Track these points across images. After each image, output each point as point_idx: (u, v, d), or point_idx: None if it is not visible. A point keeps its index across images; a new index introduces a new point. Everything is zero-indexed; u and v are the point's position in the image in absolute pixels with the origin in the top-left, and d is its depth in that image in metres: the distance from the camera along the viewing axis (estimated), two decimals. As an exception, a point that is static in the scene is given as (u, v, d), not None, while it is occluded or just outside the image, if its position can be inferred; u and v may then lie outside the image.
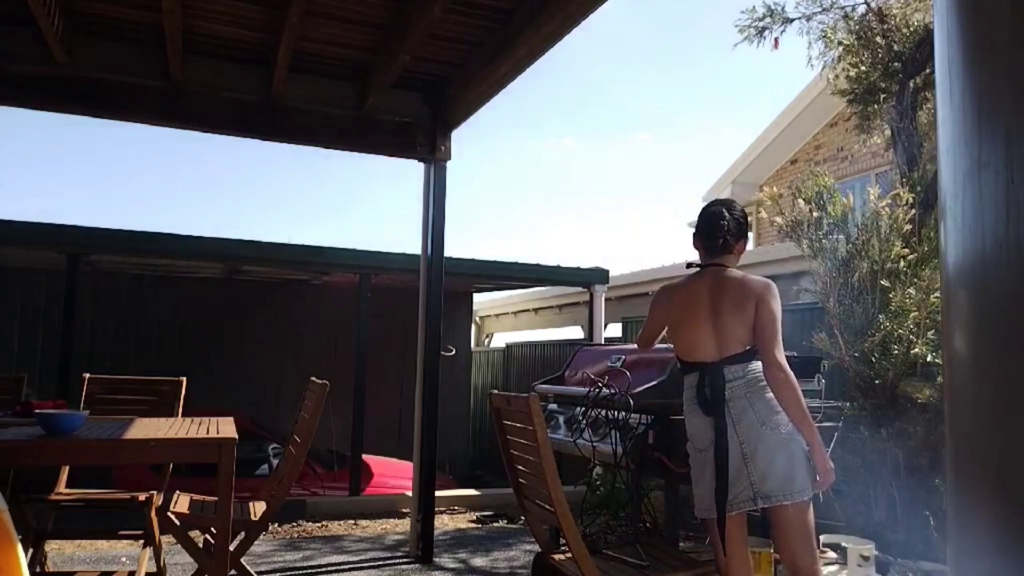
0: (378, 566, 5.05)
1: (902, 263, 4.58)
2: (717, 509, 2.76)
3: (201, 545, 3.44)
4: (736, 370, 2.80)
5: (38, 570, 4.00)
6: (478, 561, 5.27)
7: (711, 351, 2.84)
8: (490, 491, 7.98)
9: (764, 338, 2.77)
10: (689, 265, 3.03)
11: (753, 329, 2.79)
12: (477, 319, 14.35)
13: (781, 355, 2.75)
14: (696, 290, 2.91)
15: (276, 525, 6.21)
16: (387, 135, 5.46)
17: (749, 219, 3.23)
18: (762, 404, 2.75)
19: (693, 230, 3.06)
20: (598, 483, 6.60)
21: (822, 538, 3.39)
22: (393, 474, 7.90)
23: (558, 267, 9.33)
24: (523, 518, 5.01)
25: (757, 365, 2.80)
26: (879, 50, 5.64)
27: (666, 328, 3.09)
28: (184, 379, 4.55)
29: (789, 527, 2.75)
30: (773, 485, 2.70)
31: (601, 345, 7.17)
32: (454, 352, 10.43)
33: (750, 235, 13.31)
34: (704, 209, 3.03)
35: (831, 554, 3.99)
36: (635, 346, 4.35)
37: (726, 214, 2.96)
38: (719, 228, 2.94)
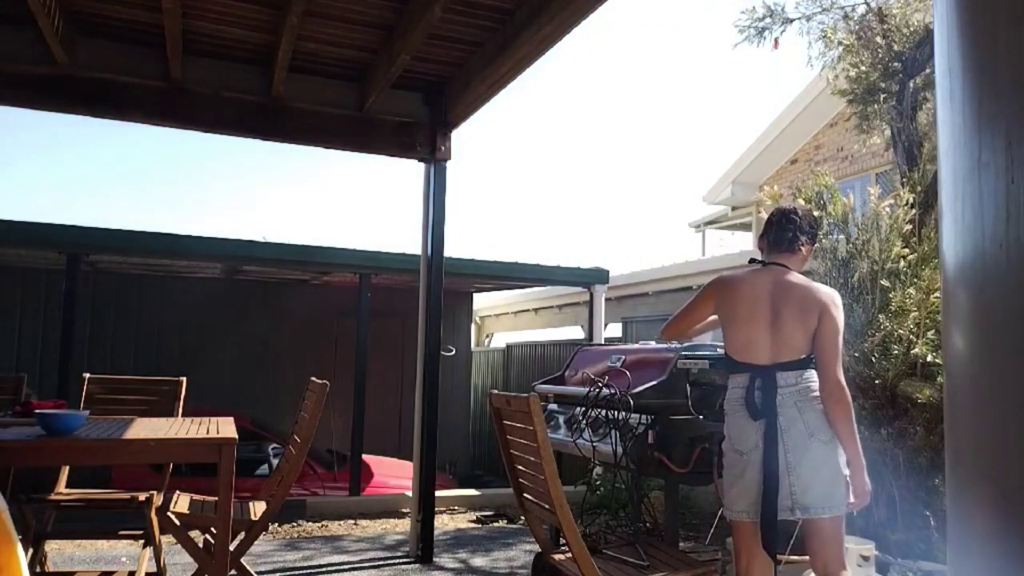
0: (378, 566, 5.05)
1: (902, 263, 4.59)
2: (762, 514, 2.73)
3: (201, 545, 3.44)
4: (789, 377, 2.77)
5: (38, 570, 4.00)
6: (478, 561, 5.27)
7: (764, 354, 2.79)
8: (490, 491, 7.98)
9: (827, 352, 2.76)
10: (752, 260, 2.99)
11: (813, 340, 2.78)
12: (477, 319, 14.35)
13: (841, 371, 2.75)
14: (757, 287, 2.84)
15: (276, 525, 6.22)
16: (387, 135, 5.47)
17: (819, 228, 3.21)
18: (812, 415, 2.74)
19: (760, 232, 3.05)
20: (598, 483, 6.61)
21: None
22: (393, 474, 7.90)
23: (558, 267, 9.32)
24: (523, 518, 5.02)
25: (811, 375, 2.79)
26: (879, 50, 5.65)
27: (711, 321, 3.04)
28: (184, 379, 4.55)
29: (823, 537, 2.77)
30: (814, 497, 2.70)
31: (601, 345, 7.17)
32: (454, 352, 10.43)
33: (751, 235, 13.33)
34: (776, 208, 3.06)
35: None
36: (636, 346, 4.35)
37: (800, 211, 2.99)
38: (792, 222, 2.94)
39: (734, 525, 2.86)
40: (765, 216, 5.74)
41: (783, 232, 2.93)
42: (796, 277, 2.88)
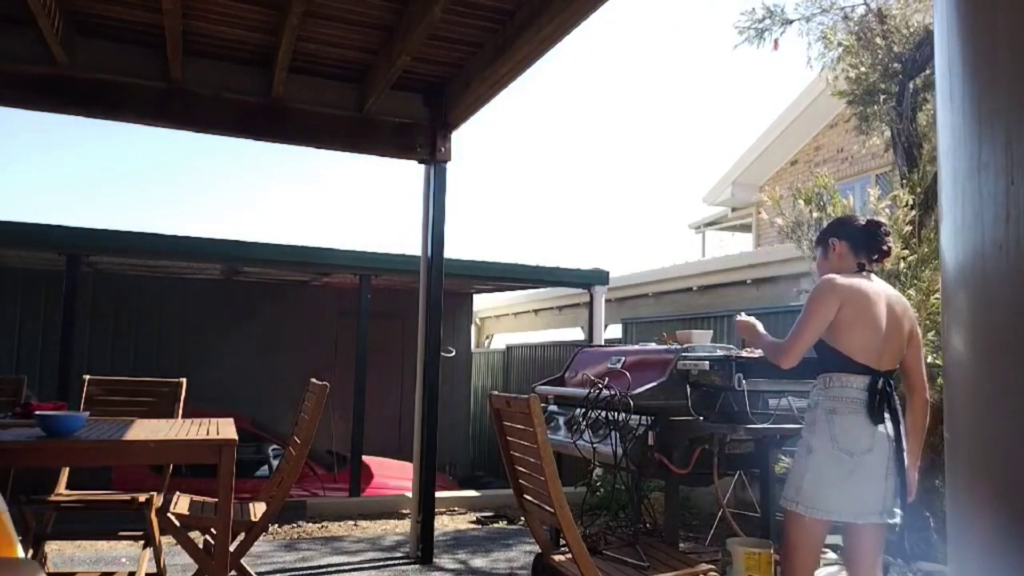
0: (378, 567, 5.05)
1: (902, 264, 4.59)
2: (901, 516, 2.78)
3: (201, 546, 3.44)
4: (891, 385, 2.84)
5: (38, 571, 4.00)
6: (478, 562, 5.27)
7: (876, 359, 2.82)
8: (490, 492, 7.97)
9: (922, 368, 2.91)
10: (861, 266, 3.00)
11: (904, 354, 2.90)
12: (477, 320, 14.34)
13: None
14: (874, 293, 2.88)
15: (276, 526, 6.21)
16: (387, 136, 5.47)
17: None
18: (902, 424, 2.83)
19: (833, 234, 3.06)
20: (598, 484, 6.60)
21: (822, 539, 3.39)
22: (393, 475, 7.90)
23: (558, 268, 9.32)
24: (523, 519, 5.01)
25: None
26: (879, 51, 5.65)
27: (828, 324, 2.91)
28: (184, 380, 4.55)
29: (879, 544, 2.84)
30: (894, 504, 2.77)
31: (601, 346, 7.17)
32: (454, 353, 10.42)
33: (751, 236, 13.33)
34: (867, 219, 3.09)
35: (831, 555, 3.99)
36: (636, 347, 4.35)
37: (886, 227, 3.06)
38: (887, 234, 3.02)
39: (810, 523, 2.81)
40: (766, 217, 5.74)
41: (882, 243, 3.00)
42: (892, 288, 3.01)
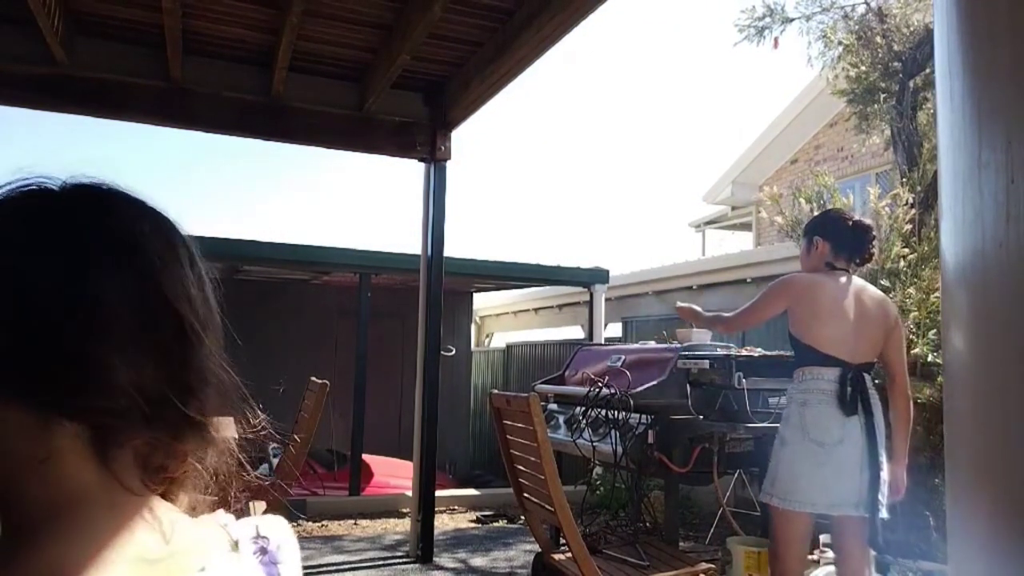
0: (378, 566, 5.05)
1: (902, 263, 4.59)
2: (870, 508, 2.79)
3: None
4: (868, 379, 2.88)
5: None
6: (478, 561, 5.27)
7: (847, 351, 2.86)
8: (490, 491, 7.97)
9: (901, 362, 2.96)
10: (828, 264, 3.04)
11: (883, 346, 2.94)
12: (477, 319, 14.34)
13: None
14: (843, 289, 2.94)
15: (276, 525, 6.21)
16: (387, 135, 5.46)
17: None
18: (882, 420, 2.85)
19: (819, 233, 3.08)
20: (598, 483, 6.60)
21: (822, 538, 3.40)
22: (393, 474, 7.90)
23: (558, 267, 9.31)
24: (523, 518, 5.01)
25: None
26: (879, 50, 5.64)
27: (788, 316, 3.03)
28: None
29: (861, 537, 2.85)
30: (872, 496, 2.78)
31: (601, 345, 7.17)
32: (454, 352, 10.42)
33: (751, 235, 13.34)
34: (855, 221, 3.11)
35: (831, 554, 4.00)
36: (636, 346, 4.36)
37: (874, 232, 3.11)
38: (873, 238, 3.07)
39: (789, 516, 2.83)
40: (765, 216, 5.74)
41: (866, 251, 3.05)
42: (868, 285, 3.06)
